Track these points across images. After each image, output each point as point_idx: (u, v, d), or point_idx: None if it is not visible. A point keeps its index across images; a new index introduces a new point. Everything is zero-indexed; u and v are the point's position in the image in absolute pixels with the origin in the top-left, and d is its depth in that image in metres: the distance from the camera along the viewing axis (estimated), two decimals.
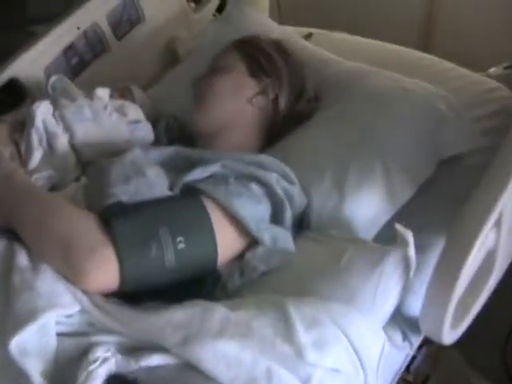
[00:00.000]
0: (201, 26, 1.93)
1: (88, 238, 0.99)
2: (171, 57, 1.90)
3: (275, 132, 1.40)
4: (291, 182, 1.20)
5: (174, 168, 1.19)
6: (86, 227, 1.01)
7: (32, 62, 1.63)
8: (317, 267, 1.10)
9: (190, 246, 1.02)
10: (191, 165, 1.18)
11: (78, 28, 1.69)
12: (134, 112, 1.44)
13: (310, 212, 1.25)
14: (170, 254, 1.00)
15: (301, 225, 1.25)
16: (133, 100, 1.54)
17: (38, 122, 1.28)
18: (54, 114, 1.32)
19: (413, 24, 2.24)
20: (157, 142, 1.46)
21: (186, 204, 1.10)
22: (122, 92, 1.55)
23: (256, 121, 1.39)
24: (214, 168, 1.16)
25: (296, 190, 1.20)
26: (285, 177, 1.20)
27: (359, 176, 1.26)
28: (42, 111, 1.29)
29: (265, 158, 1.22)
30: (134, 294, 1.02)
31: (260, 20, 1.73)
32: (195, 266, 1.05)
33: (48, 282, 0.97)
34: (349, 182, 1.25)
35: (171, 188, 1.14)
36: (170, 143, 1.45)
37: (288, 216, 1.17)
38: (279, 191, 1.16)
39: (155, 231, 1.00)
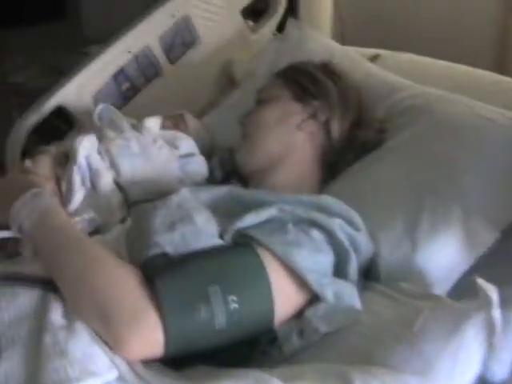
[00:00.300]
0: (259, 46, 1.82)
1: (130, 302, 0.89)
2: (228, 81, 1.79)
3: (331, 161, 1.28)
4: (357, 228, 1.06)
5: (226, 211, 1.07)
6: (128, 288, 0.90)
7: (80, 88, 1.55)
8: (386, 330, 0.95)
9: (244, 305, 0.91)
10: (245, 207, 1.06)
11: (129, 52, 1.61)
12: (187, 144, 1.34)
13: (377, 261, 1.11)
14: (220, 315, 0.89)
15: (367, 275, 1.11)
16: (186, 130, 1.44)
17: (81, 158, 1.19)
18: (98, 149, 1.23)
19: (486, 42, 2.07)
20: (211, 178, 1.36)
21: (238, 256, 0.98)
22: (174, 120, 1.45)
23: (309, 148, 1.28)
24: (270, 212, 1.04)
25: (362, 237, 1.07)
26: (349, 222, 1.06)
27: (434, 219, 1.12)
28: (86, 146, 1.20)
29: (326, 199, 1.09)
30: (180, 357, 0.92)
31: (321, 41, 1.61)
32: (249, 326, 0.93)
33: (82, 345, 0.88)
34: (422, 227, 1.11)
35: (221, 235, 1.02)
36: (225, 179, 1.35)
37: (353, 267, 1.04)
38: (343, 239, 1.03)
39: (204, 291, 0.89)
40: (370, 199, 1.18)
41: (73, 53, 2.09)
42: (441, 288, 1.08)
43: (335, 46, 1.60)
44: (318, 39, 1.61)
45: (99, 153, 1.23)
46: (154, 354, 0.88)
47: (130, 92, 1.65)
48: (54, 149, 1.27)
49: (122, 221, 1.15)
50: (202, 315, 0.88)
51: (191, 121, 1.46)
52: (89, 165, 1.19)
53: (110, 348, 0.88)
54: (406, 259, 1.10)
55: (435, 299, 1.00)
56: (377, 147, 1.28)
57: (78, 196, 1.17)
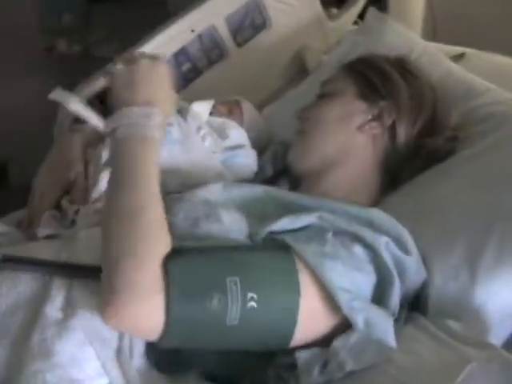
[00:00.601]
0: (338, 35, 1.67)
1: (146, 266, 0.78)
2: (299, 70, 1.65)
3: (394, 169, 1.12)
4: (406, 250, 0.91)
5: (261, 213, 0.95)
6: (153, 251, 0.79)
7: None
8: (423, 376, 0.80)
9: (264, 306, 0.79)
10: (281, 211, 0.94)
11: (192, 31, 1.50)
12: (237, 135, 1.23)
13: (428, 292, 0.95)
14: (235, 310, 0.77)
15: (413, 307, 0.95)
16: (240, 118, 1.32)
17: None
18: None
19: None
20: (260, 174, 1.23)
21: (269, 255, 0.86)
22: (229, 107, 1.34)
23: (369, 153, 1.12)
24: (309, 219, 0.91)
25: (412, 262, 0.91)
26: (399, 242, 0.91)
27: (502, 250, 0.94)
28: None
29: (377, 214, 0.95)
30: (182, 362, 0.84)
31: (402, 34, 1.44)
32: (264, 334, 0.82)
33: (72, 346, 0.79)
34: (486, 257, 0.94)
35: (251, 238, 0.91)
36: (275, 177, 1.22)
37: (396, 294, 0.88)
38: (388, 259, 0.88)
39: (222, 279, 0.78)
40: (429, 217, 1.02)
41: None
42: (498, 335, 0.91)
43: (417, 40, 1.43)
44: (399, 31, 1.44)
45: None
46: (150, 333, 0.78)
47: (191, 73, 1.55)
48: (88, 128, 1.17)
49: None
50: (214, 304, 0.77)
51: (248, 109, 1.34)
52: None
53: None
54: (462, 293, 0.93)
55: (489, 348, 0.83)
56: (447, 157, 1.12)
57: (104, 182, 1.07)
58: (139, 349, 0.82)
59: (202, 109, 1.24)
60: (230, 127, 1.23)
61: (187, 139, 1.13)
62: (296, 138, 1.19)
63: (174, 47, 1.50)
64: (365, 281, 0.88)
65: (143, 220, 0.80)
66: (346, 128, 1.12)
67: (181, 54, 1.51)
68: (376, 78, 1.14)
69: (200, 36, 1.52)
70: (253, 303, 0.78)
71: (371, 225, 0.92)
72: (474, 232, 0.97)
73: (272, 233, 0.90)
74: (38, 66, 2.63)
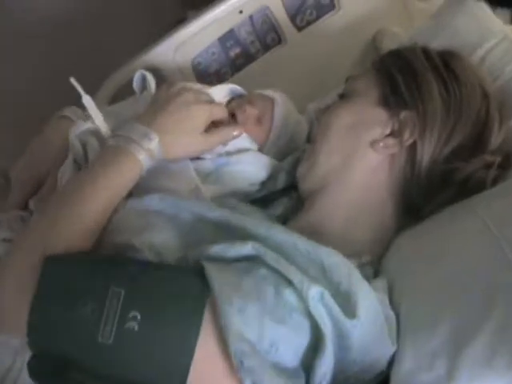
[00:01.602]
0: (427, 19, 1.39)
1: (26, 256, 0.75)
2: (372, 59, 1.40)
3: (415, 201, 0.88)
4: (351, 313, 0.69)
5: (198, 234, 0.81)
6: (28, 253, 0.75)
7: (177, 49, 1.32)
8: None
9: (147, 331, 0.66)
10: (221, 235, 0.79)
11: (241, 12, 1.32)
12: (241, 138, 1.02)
13: (393, 377, 0.72)
14: (109, 326, 0.66)
15: None
16: (267, 130, 1.09)
17: (74, 141, 0.97)
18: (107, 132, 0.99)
19: None
20: (271, 184, 1.03)
21: (176, 275, 0.72)
22: (258, 113, 1.09)
23: (382, 176, 0.89)
24: (244, 249, 0.73)
25: (358, 329, 0.69)
26: (345, 299, 0.70)
27: (498, 338, 0.67)
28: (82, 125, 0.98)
29: (333, 258, 0.73)
30: None
31: (481, 17, 1.13)
32: (146, 366, 0.67)
33: None
34: (474, 347, 0.68)
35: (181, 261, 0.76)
36: (287, 189, 1.02)
37: (325, 362, 0.68)
38: (321, 315, 0.68)
39: (103, 287, 0.68)
40: (421, 275, 0.77)
41: None
42: None
43: (499, 26, 1.11)
44: (478, 14, 1.13)
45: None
46: (15, 329, 0.73)
47: (241, 59, 1.37)
48: (79, 112, 1.05)
49: None
50: (85, 312, 0.67)
51: (279, 116, 1.09)
52: (85, 152, 0.96)
53: None
54: None
55: None
56: (483, 189, 0.85)
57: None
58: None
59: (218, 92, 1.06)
60: None
61: None
62: (308, 148, 0.99)
63: (220, 30, 1.33)
64: (287, 337, 0.68)
65: (65, 210, 0.78)
66: (356, 140, 0.90)
67: (228, 38, 1.34)
68: (402, 79, 0.90)
69: (251, 17, 1.33)
70: (133, 324, 0.66)
71: (321, 269, 0.71)
72: (469, 310, 0.71)
73: (201, 256, 0.74)
74: None
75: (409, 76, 0.89)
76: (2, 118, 1.70)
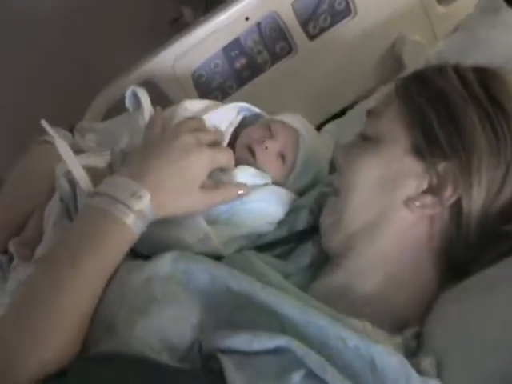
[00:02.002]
0: (448, 24, 1.26)
1: None
2: (392, 70, 1.27)
3: (461, 261, 0.73)
4: None
5: (216, 308, 0.66)
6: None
7: (177, 60, 1.18)
8: None
9: None
10: (239, 312, 0.64)
11: (247, 19, 1.19)
12: (246, 174, 0.88)
13: None
14: None
15: None
16: (292, 153, 0.92)
17: (62, 180, 0.83)
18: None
19: None
20: (288, 225, 0.88)
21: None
22: (275, 134, 0.95)
23: (420, 238, 0.73)
24: (276, 341, 0.59)
25: None
26: None
27: None
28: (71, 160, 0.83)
29: (382, 355, 0.59)
30: None
31: None
32: None
33: None
34: None
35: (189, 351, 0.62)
36: (309, 230, 0.88)
37: None
38: None
39: None
40: (471, 354, 0.64)
41: None
42: None
43: None
44: None
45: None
46: None
47: (247, 71, 1.24)
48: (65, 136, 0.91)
49: None
50: None
51: (305, 140, 0.92)
52: (73, 191, 0.82)
53: None
54: None
55: None
56: None
57: (47, 241, 0.82)
58: None
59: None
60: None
61: None
62: (330, 197, 0.84)
63: (224, 39, 1.20)
64: None
65: (45, 310, 0.62)
66: (387, 197, 0.74)
67: (233, 47, 1.21)
68: (437, 121, 0.72)
69: (258, 24, 1.20)
70: None
71: (371, 366, 0.58)
72: None
73: (218, 349, 0.60)
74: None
75: (444, 115, 0.72)
76: None
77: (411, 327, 0.71)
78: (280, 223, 0.87)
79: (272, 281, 0.67)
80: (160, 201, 0.70)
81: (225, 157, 0.80)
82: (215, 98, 1.23)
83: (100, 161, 0.85)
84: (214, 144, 0.81)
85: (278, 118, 0.93)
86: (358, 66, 1.28)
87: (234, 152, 0.90)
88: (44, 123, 0.79)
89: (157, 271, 0.67)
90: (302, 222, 0.86)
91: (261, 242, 0.86)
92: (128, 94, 0.92)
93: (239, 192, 0.80)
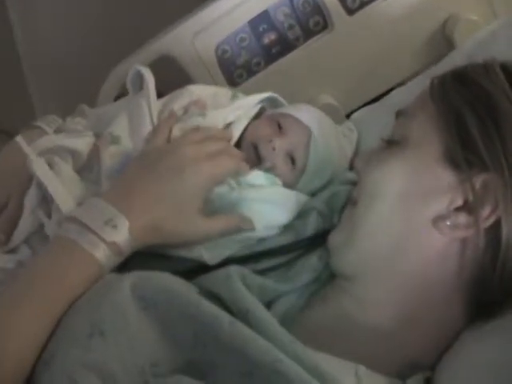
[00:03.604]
0: (510, 4, 1.10)
1: None
2: (443, 50, 1.12)
3: (490, 295, 0.61)
4: None
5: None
6: None
7: (197, 35, 1.07)
8: None
9: None
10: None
11: None
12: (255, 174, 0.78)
13: None
14: None
15: None
16: (302, 154, 0.82)
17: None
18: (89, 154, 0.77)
19: None
20: (300, 228, 0.77)
21: None
22: (284, 131, 0.83)
23: (447, 265, 0.61)
24: None
25: None
26: None
27: None
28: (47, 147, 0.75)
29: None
30: None
31: None
32: None
33: None
34: None
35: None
36: (317, 237, 0.76)
37: None
38: None
39: None
40: None
41: None
42: None
43: None
44: None
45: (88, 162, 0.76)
46: None
47: (277, 47, 1.12)
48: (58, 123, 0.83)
49: None
50: None
51: (318, 141, 0.81)
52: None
53: None
54: None
55: None
56: None
57: (24, 227, 0.73)
58: None
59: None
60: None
61: None
62: (346, 208, 0.72)
63: (250, 12, 1.08)
64: None
65: None
66: (413, 214, 0.62)
67: (261, 22, 1.09)
68: (479, 128, 0.60)
69: None
70: None
71: None
72: None
73: None
74: None
75: (487, 120, 0.60)
76: None
77: (420, 371, 0.59)
78: (286, 228, 0.77)
79: (249, 311, 0.56)
80: (148, 228, 0.62)
81: (230, 163, 0.71)
82: (240, 77, 1.12)
83: (79, 143, 0.76)
84: (223, 151, 0.71)
85: (291, 111, 0.82)
86: (402, 46, 1.13)
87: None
88: (20, 140, 0.73)
89: (112, 298, 0.57)
90: (310, 227, 0.76)
91: (262, 249, 0.75)
92: (131, 74, 0.83)
93: (245, 227, 0.72)
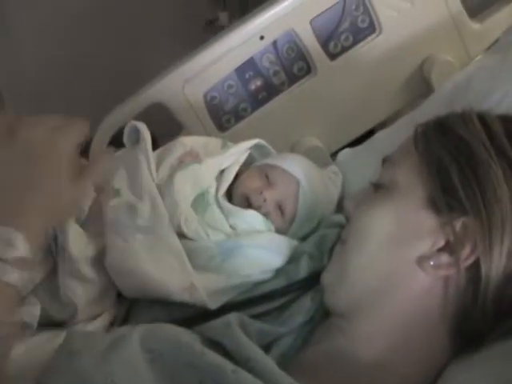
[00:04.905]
0: (484, 42, 1.16)
1: None
2: (421, 91, 1.18)
3: (474, 327, 0.65)
4: None
5: None
6: None
7: (187, 83, 1.12)
8: None
9: None
10: None
11: (262, 37, 1.11)
12: (247, 221, 0.83)
13: None
14: None
15: None
16: (292, 204, 0.86)
17: None
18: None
19: None
20: (292, 272, 0.81)
21: None
22: (273, 184, 0.88)
23: (432, 301, 0.65)
24: None
25: None
26: None
27: None
28: None
29: None
30: None
31: None
32: None
33: None
34: None
35: None
36: (306, 280, 0.80)
37: None
38: None
39: None
40: None
41: None
42: None
43: None
44: None
45: (90, 215, 0.79)
46: None
47: (263, 93, 1.16)
48: None
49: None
50: None
51: (306, 190, 0.86)
52: (54, 231, 0.77)
53: None
54: None
55: None
56: None
57: (33, 275, 0.76)
58: None
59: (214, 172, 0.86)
60: (235, 214, 0.83)
61: (158, 225, 0.77)
62: (336, 248, 0.76)
63: (237, 59, 1.12)
64: None
65: None
66: (399, 254, 0.66)
67: (247, 69, 1.14)
68: (459, 174, 0.65)
69: (274, 43, 1.12)
70: None
71: None
72: None
73: None
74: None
75: (466, 168, 0.65)
76: None
77: None
78: (279, 272, 0.81)
79: (250, 358, 0.59)
80: (40, 223, 0.58)
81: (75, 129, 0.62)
82: (228, 122, 1.16)
83: None
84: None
85: (279, 162, 0.87)
86: (382, 88, 1.18)
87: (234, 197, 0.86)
88: None
89: (123, 352, 0.59)
90: (302, 270, 0.80)
91: (258, 293, 0.79)
92: (127, 129, 0.87)
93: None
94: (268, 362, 0.59)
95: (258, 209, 0.83)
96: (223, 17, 2.56)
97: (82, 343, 0.61)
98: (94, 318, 0.77)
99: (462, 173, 0.65)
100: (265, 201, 0.83)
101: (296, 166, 0.87)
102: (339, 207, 0.92)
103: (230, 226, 0.81)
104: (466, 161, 0.65)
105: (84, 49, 1.79)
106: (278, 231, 0.84)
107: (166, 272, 0.74)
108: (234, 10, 2.42)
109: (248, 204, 0.84)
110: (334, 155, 1.15)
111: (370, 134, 1.14)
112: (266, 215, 0.83)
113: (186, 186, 0.80)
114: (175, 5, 2.11)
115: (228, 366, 0.56)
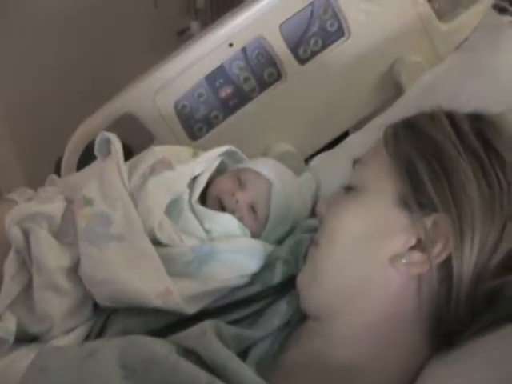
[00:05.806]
0: (452, 42, 1.17)
1: None
2: (390, 95, 1.19)
3: (449, 326, 0.64)
4: None
5: None
6: None
7: (157, 93, 1.11)
8: None
9: None
10: None
11: (231, 45, 1.11)
12: (223, 225, 0.82)
13: None
14: None
15: None
16: (264, 205, 0.86)
17: (15, 232, 0.76)
18: (64, 215, 0.79)
19: None
20: (267, 276, 0.80)
21: None
22: (245, 186, 0.88)
23: (406, 301, 0.65)
24: None
25: None
26: None
27: None
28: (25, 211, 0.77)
29: None
30: None
31: None
32: None
33: None
34: None
35: None
36: (282, 285, 0.80)
37: None
38: None
39: None
40: None
41: None
42: None
43: None
44: None
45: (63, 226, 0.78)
46: None
47: (233, 100, 1.16)
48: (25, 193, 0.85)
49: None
50: None
51: (278, 191, 0.86)
52: (27, 240, 0.76)
53: None
54: None
55: None
56: None
57: (9, 289, 0.75)
58: None
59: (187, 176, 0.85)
60: (210, 217, 0.83)
61: (131, 233, 0.76)
62: (309, 250, 0.76)
63: (207, 67, 1.12)
64: None
65: None
66: (371, 255, 0.66)
67: (216, 76, 1.13)
68: (428, 172, 0.65)
69: (244, 50, 1.12)
70: None
71: None
72: None
73: None
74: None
75: (435, 166, 0.65)
76: None
77: None
78: (255, 278, 0.80)
79: (226, 367, 0.58)
80: None
81: None
82: (200, 130, 1.16)
83: (52, 207, 0.78)
84: None
85: (251, 165, 0.87)
86: (353, 91, 1.19)
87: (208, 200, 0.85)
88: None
89: (95, 368, 0.58)
90: (277, 275, 0.80)
91: (234, 299, 0.78)
92: (98, 140, 0.86)
93: None
94: (244, 371, 0.58)
95: (231, 211, 0.83)
96: (195, 26, 2.56)
97: (53, 359, 0.60)
98: (70, 331, 0.75)
99: (432, 170, 0.65)
100: (237, 202, 0.83)
101: (268, 168, 0.87)
102: (314, 212, 0.91)
103: (205, 231, 0.80)
104: (436, 158, 0.65)
105: (57, 60, 1.77)
106: (252, 234, 0.83)
107: (140, 278, 0.73)
108: (205, 19, 2.41)
109: (221, 207, 0.83)
110: (307, 161, 1.15)
111: (345, 136, 1.14)
112: (240, 219, 0.82)
113: (159, 193, 0.79)
114: (147, 15, 2.10)
115: (203, 377, 0.55)
